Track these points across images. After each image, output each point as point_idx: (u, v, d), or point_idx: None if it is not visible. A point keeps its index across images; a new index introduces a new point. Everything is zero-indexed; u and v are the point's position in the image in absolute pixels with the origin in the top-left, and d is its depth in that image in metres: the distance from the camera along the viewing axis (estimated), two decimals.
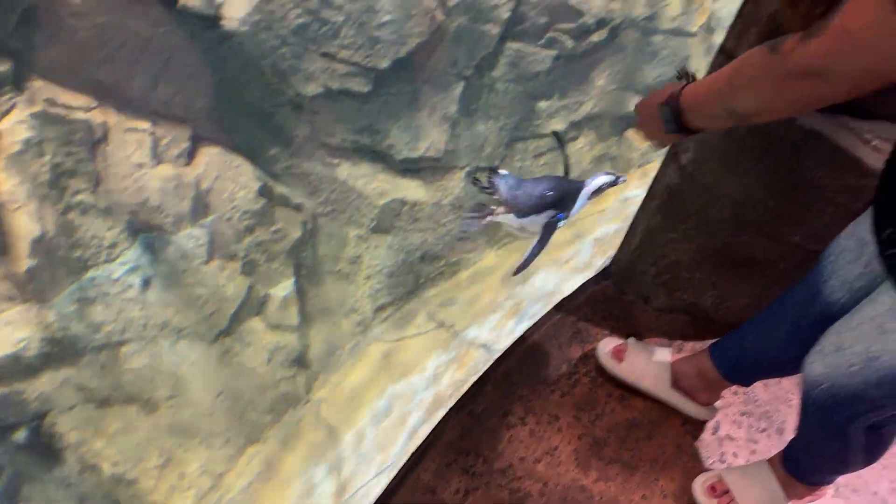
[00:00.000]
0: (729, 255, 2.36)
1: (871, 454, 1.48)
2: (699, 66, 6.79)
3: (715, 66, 2.12)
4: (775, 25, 1.86)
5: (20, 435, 4.05)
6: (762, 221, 2.17)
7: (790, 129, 1.84)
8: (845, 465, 1.52)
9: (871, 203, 1.44)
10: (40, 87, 3.56)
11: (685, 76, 1.44)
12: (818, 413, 1.42)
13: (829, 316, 1.48)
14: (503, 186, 1.82)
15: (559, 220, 1.78)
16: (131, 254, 4.10)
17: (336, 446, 4.68)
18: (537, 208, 1.79)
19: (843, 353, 1.27)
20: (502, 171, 1.87)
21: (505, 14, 4.91)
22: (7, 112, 3.52)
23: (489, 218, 1.88)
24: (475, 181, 1.87)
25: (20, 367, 3.99)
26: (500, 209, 1.89)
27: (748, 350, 1.82)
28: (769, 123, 1.88)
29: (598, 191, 1.79)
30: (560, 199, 1.77)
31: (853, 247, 1.42)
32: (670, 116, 1.33)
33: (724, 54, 2.18)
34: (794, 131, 1.84)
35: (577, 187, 1.77)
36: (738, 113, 1.18)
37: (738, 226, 2.24)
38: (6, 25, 3.39)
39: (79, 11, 3.47)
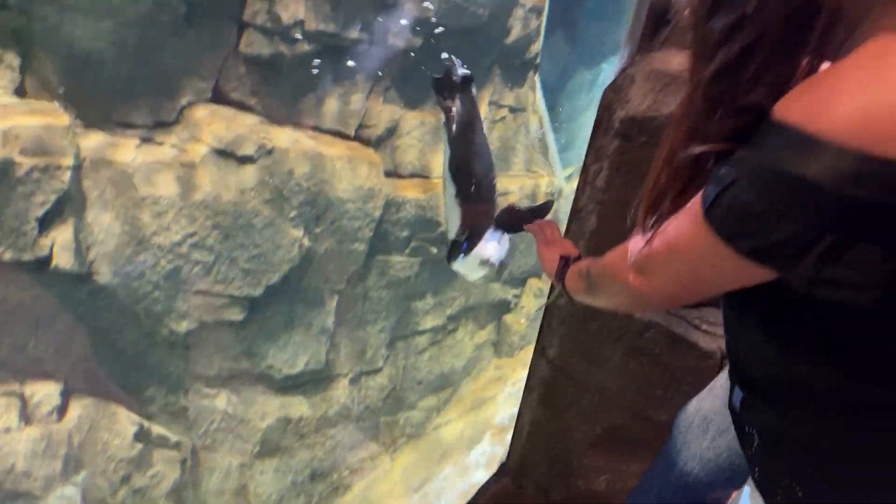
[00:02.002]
0: (611, 439, 2.51)
1: None
2: None
3: None
4: (596, 241, 2.21)
5: None
6: (631, 404, 2.37)
7: (631, 321, 2.12)
8: None
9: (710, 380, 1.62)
10: None
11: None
12: None
13: (686, 486, 1.62)
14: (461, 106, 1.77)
15: (462, 249, 1.77)
16: None
17: None
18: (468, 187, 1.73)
19: None
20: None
21: (368, 233, 5.37)
22: None
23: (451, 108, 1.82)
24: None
25: None
26: (454, 112, 1.84)
27: None
28: (615, 318, 2.16)
29: (485, 262, 1.73)
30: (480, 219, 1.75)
31: (699, 422, 1.53)
32: (560, 277, 1.51)
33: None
34: (636, 323, 2.11)
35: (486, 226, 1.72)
36: (593, 286, 1.30)
37: (611, 410, 2.43)
38: None
39: None
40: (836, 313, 0.78)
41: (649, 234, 0.97)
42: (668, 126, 0.91)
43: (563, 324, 2.43)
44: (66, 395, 4.21)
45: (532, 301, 7.62)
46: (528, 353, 7.42)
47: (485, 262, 1.76)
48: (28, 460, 3.90)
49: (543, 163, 7.58)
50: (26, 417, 3.95)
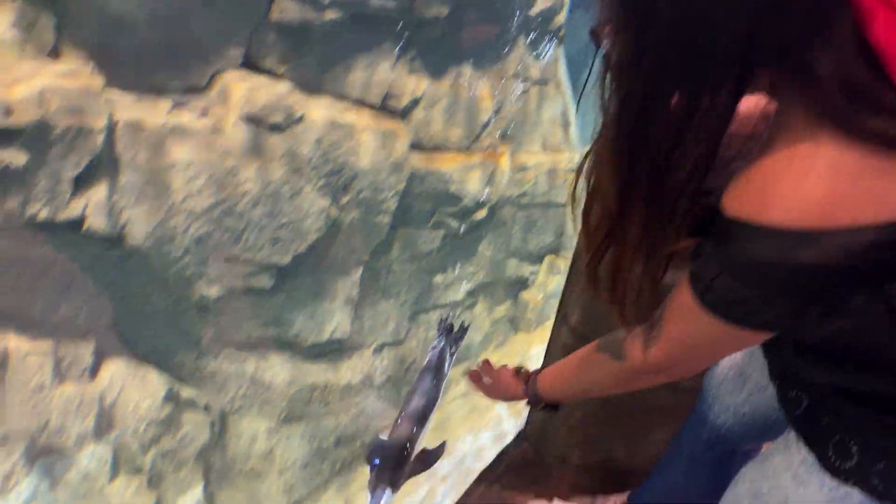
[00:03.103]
0: (631, 406, 2.51)
1: None
2: (576, 230, 7.50)
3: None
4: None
5: None
6: None
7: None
8: None
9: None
10: None
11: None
12: None
13: (718, 440, 1.63)
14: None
15: (374, 464, 1.92)
16: (28, 482, 3.86)
17: None
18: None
19: (760, 500, 1.29)
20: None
21: (392, 205, 5.37)
22: None
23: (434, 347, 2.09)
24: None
25: None
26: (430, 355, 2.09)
27: (658, 493, 1.92)
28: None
29: None
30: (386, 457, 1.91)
31: (733, 377, 1.54)
32: (536, 401, 1.50)
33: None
34: (662, 288, 2.13)
35: (384, 484, 1.88)
36: (595, 395, 1.38)
37: None
38: None
39: None
40: (851, 343, 0.90)
41: (648, 337, 1.06)
42: (624, 228, 0.94)
43: (586, 290, 2.43)
44: (98, 356, 4.26)
45: (549, 278, 7.63)
46: (544, 330, 7.47)
47: None
48: (61, 418, 3.96)
49: (564, 139, 7.54)
50: (59, 376, 4.00)
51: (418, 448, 1.95)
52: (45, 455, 3.97)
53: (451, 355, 2.17)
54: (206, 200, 4.28)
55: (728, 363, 1.57)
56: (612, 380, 1.24)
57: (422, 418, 1.98)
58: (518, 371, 1.58)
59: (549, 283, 7.62)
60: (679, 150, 0.82)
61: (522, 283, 7.42)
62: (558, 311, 2.67)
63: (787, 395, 1.21)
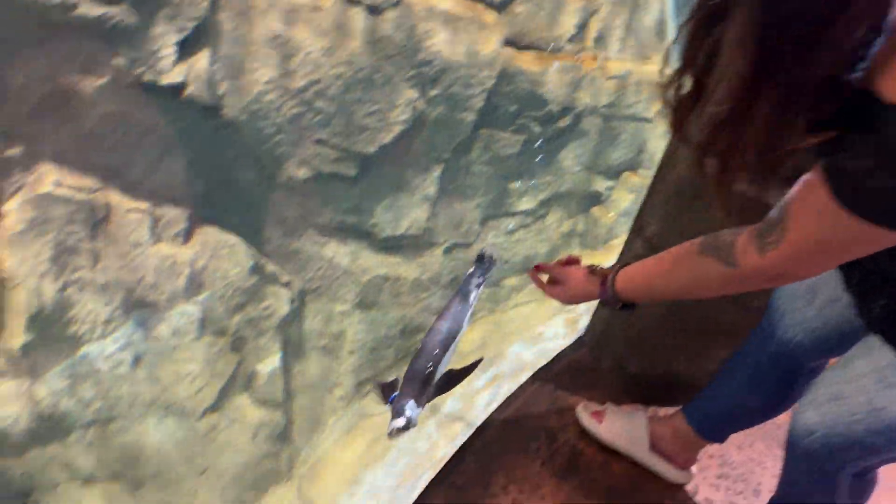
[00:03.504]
0: (696, 322, 2.48)
1: (858, 499, 1.52)
2: (656, 147, 7.25)
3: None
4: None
5: None
6: None
7: (746, 198, 2.08)
8: None
9: None
10: (48, 170, 3.72)
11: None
12: (809, 461, 1.45)
13: (785, 354, 1.62)
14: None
15: (390, 401, 1.93)
16: (124, 330, 4.16)
17: None
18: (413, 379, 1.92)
19: (842, 402, 1.31)
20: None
21: (479, 103, 5.26)
22: (14, 193, 3.66)
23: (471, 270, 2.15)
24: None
25: (7, 444, 3.94)
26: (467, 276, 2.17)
27: (716, 402, 1.93)
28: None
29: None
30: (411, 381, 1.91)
31: (803, 292, 1.52)
32: (613, 300, 1.47)
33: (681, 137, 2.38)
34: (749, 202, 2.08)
35: (409, 395, 1.87)
36: (690, 297, 1.31)
37: None
38: (20, 112, 3.57)
39: (90, 101, 3.68)
40: None
41: (766, 241, 1.01)
42: (751, 108, 0.84)
43: (667, 202, 2.33)
44: (191, 222, 4.44)
45: (623, 195, 7.44)
46: (610, 249, 7.37)
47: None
48: (155, 275, 4.20)
49: (657, 49, 7.15)
50: (156, 236, 4.21)
51: (442, 370, 1.99)
52: (139, 308, 4.24)
53: (478, 286, 2.18)
54: (301, 80, 4.27)
55: None
56: (718, 282, 1.19)
57: (445, 342, 2.02)
58: (592, 270, 1.54)
59: (623, 201, 7.45)
60: (834, 28, 0.74)
61: (595, 199, 7.27)
62: (635, 222, 2.58)
63: (874, 302, 1.18)
